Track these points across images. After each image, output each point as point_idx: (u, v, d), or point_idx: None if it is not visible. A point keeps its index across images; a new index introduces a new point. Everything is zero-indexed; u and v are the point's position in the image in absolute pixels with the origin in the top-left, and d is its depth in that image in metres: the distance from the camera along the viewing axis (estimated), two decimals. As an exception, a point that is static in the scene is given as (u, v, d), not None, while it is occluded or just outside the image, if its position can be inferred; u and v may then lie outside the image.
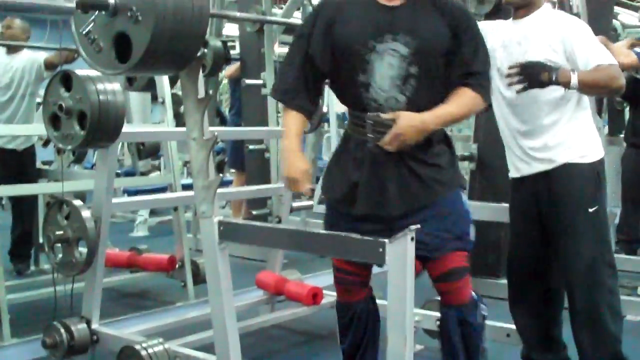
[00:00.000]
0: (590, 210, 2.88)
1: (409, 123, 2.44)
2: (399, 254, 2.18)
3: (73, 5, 2.10)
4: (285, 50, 7.37)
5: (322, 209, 7.60)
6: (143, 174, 6.82)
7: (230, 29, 8.17)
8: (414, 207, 2.53)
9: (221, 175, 3.17)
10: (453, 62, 2.53)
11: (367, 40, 2.48)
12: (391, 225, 2.47)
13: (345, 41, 2.50)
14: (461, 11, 2.61)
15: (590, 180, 2.91)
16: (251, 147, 5.61)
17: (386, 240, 2.17)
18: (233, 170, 7.13)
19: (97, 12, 2.29)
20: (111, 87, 2.96)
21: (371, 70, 2.47)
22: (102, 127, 2.93)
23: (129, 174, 7.06)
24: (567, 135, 2.90)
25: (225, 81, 9.07)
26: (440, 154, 2.59)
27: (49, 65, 5.08)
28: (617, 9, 7.19)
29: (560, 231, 2.91)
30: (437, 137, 2.57)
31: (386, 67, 2.47)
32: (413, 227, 2.18)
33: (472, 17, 2.65)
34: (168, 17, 2.18)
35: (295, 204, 4.20)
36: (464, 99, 2.53)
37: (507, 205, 3.17)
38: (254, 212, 5.20)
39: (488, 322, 2.78)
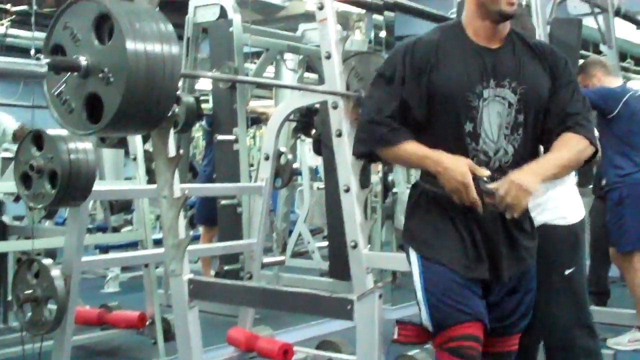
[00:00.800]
0: (567, 272, 2.87)
1: (518, 189, 2.16)
2: (367, 311, 2.20)
3: (45, 70, 2.13)
4: (259, 103, 7.43)
5: (295, 263, 7.50)
6: (115, 228, 6.79)
7: (204, 84, 8.25)
8: (512, 276, 2.36)
9: (192, 233, 3.19)
10: (551, 107, 2.34)
11: (474, 86, 2.27)
12: (502, 293, 2.36)
13: (450, 87, 2.27)
14: (557, 55, 2.43)
15: (568, 242, 2.91)
16: (223, 202, 5.62)
17: (354, 298, 2.20)
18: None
19: (69, 73, 2.32)
20: (82, 147, 2.99)
21: (480, 118, 2.27)
22: (73, 186, 2.95)
23: (101, 228, 7.04)
24: (546, 197, 2.87)
25: (199, 134, 9.10)
26: (526, 217, 2.41)
27: (18, 138, 5.10)
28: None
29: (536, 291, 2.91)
30: None
31: (495, 115, 2.28)
32: (380, 284, 2.21)
33: (567, 61, 2.45)
34: (140, 79, 2.21)
35: (267, 260, 4.21)
36: (568, 144, 2.31)
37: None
38: (226, 268, 5.20)
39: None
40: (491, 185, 2.17)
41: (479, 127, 2.27)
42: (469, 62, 2.30)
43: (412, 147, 2.29)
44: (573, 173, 3.03)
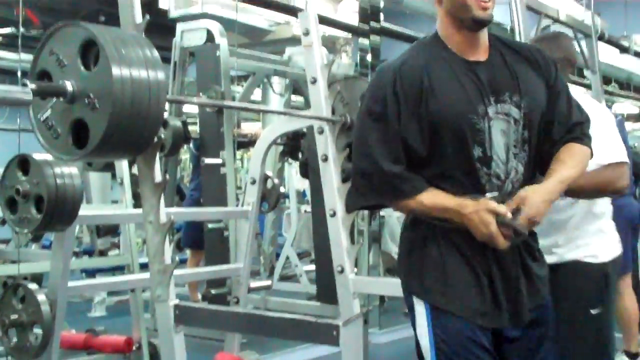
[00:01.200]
0: (593, 311, 2.74)
1: (540, 200, 2.02)
2: (353, 336, 2.21)
3: (30, 97, 2.14)
4: (247, 126, 7.43)
5: (283, 286, 7.45)
6: (102, 252, 6.78)
7: (191, 107, 8.26)
8: (531, 309, 2.14)
9: (177, 258, 3.19)
10: (552, 117, 2.15)
11: (476, 106, 2.05)
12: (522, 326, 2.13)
13: (451, 111, 2.04)
14: (547, 58, 2.23)
15: (597, 281, 2.78)
16: (210, 225, 5.62)
17: (340, 323, 2.20)
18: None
19: (55, 99, 2.33)
20: (68, 171, 2.99)
21: (488, 140, 2.06)
22: (58, 211, 2.95)
23: (88, 252, 7.02)
24: (578, 234, 2.78)
25: (186, 156, 9.11)
26: (536, 242, 2.22)
27: None
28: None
29: (559, 328, 2.66)
30: None
31: (501, 134, 2.07)
32: (366, 309, 2.21)
33: (557, 65, 2.25)
34: (125, 105, 2.22)
35: (253, 284, 4.21)
36: (577, 157, 2.15)
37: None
38: (213, 292, 5.19)
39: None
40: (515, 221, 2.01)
41: (489, 150, 2.06)
42: (463, 80, 2.08)
43: (429, 199, 2.06)
44: (609, 206, 2.89)
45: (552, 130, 2.15)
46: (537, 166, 2.18)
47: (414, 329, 2.14)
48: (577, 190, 2.51)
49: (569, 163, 2.12)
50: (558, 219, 2.75)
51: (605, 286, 2.79)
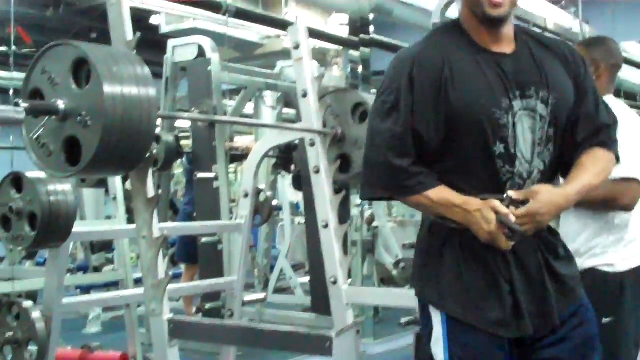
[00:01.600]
0: (604, 320, 2.65)
1: (549, 200, 1.95)
2: (346, 347, 2.22)
3: (23, 116, 2.15)
4: (240, 139, 7.45)
5: (278, 299, 7.45)
6: (96, 268, 6.77)
7: (183, 122, 8.28)
8: (563, 310, 2.04)
9: (171, 272, 3.20)
10: (578, 117, 2.06)
11: (499, 100, 1.96)
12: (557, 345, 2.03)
13: (472, 104, 1.95)
14: (576, 54, 2.15)
15: (611, 290, 2.73)
16: (204, 239, 5.64)
17: (333, 334, 2.22)
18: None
19: (47, 117, 2.35)
20: (62, 188, 3.00)
21: (512, 136, 1.97)
22: (52, 227, 2.96)
23: (82, 268, 7.01)
24: (598, 242, 2.76)
25: (179, 170, 9.13)
26: (558, 240, 2.13)
27: None
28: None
29: None
30: None
31: (528, 131, 1.98)
32: (359, 319, 2.23)
33: (586, 61, 2.16)
34: (117, 122, 2.23)
35: (248, 297, 4.22)
36: (601, 164, 2.07)
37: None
38: (207, 305, 5.20)
39: None
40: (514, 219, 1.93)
41: (514, 147, 1.97)
42: (487, 72, 1.99)
43: (437, 195, 1.99)
44: (637, 214, 2.80)
45: (577, 130, 2.07)
46: (559, 167, 2.10)
47: (428, 341, 2.05)
48: (583, 203, 2.44)
49: (592, 170, 2.04)
50: (579, 226, 2.74)
51: (620, 296, 2.74)
